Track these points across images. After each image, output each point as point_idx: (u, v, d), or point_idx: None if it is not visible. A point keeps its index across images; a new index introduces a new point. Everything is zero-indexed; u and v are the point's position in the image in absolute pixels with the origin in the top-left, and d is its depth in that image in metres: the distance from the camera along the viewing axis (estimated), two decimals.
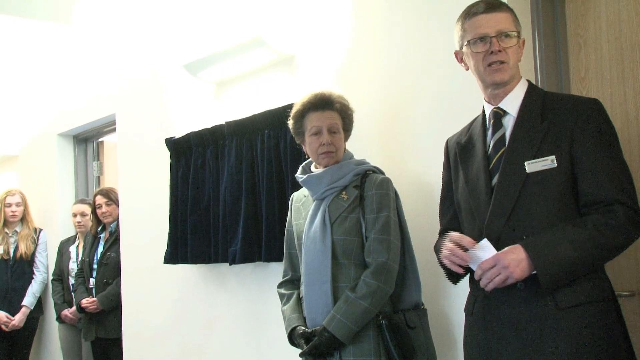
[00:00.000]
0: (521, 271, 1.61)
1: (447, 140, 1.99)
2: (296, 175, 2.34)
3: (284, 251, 2.40)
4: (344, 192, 2.22)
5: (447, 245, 1.76)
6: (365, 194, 2.18)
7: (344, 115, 2.28)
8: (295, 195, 2.42)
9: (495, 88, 1.78)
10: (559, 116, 1.69)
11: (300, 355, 2.18)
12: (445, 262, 1.78)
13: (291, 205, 2.41)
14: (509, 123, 1.77)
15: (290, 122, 2.33)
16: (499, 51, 1.71)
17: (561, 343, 1.61)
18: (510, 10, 1.77)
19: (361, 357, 2.09)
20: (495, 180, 1.73)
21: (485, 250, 1.67)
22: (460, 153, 1.88)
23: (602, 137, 1.66)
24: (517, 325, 1.67)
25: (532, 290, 1.65)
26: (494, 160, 1.75)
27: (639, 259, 2.05)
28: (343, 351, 2.11)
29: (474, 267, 1.70)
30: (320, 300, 2.15)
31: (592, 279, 1.65)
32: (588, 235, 1.60)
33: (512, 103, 1.76)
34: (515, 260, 1.61)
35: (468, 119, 1.99)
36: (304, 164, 2.36)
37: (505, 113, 1.77)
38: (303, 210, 2.32)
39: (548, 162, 1.66)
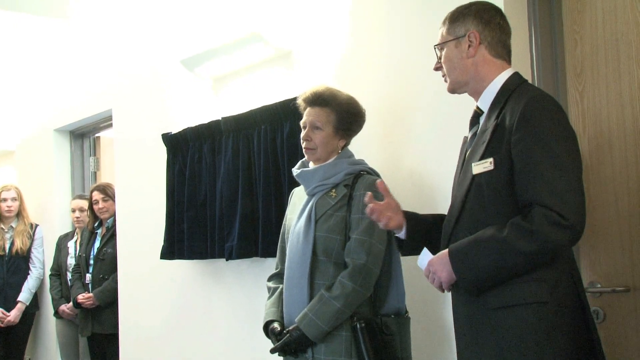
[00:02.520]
0: (448, 276, 1.65)
1: None
2: (293, 169, 2.36)
3: (278, 244, 2.42)
4: (333, 190, 2.22)
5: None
6: (355, 193, 2.18)
7: (341, 112, 2.25)
8: (296, 190, 2.43)
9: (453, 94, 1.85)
10: (507, 114, 1.65)
11: (271, 351, 2.19)
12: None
13: (290, 199, 2.43)
14: (482, 121, 1.77)
15: None
16: (438, 67, 1.83)
17: (489, 343, 1.62)
18: (447, 19, 1.79)
19: (332, 357, 2.09)
20: (458, 179, 1.78)
21: (425, 255, 1.76)
22: (461, 148, 1.91)
23: (538, 137, 1.57)
24: (466, 320, 1.70)
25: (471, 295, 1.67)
26: (465, 159, 1.78)
27: (634, 254, 2.06)
28: (315, 348, 2.11)
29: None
30: (297, 296, 2.16)
31: (528, 282, 1.58)
32: (502, 240, 1.56)
33: (485, 100, 1.76)
34: (441, 266, 1.66)
35: (469, 116, 1.99)
36: (304, 158, 2.38)
37: (482, 111, 1.78)
38: (298, 205, 2.33)
39: (487, 165, 1.64)
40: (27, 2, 4.14)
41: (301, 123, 2.30)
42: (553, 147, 1.57)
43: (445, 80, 1.83)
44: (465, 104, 2.14)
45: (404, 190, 2.39)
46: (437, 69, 1.83)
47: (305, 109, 2.30)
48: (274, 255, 2.86)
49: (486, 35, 1.75)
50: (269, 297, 2.33)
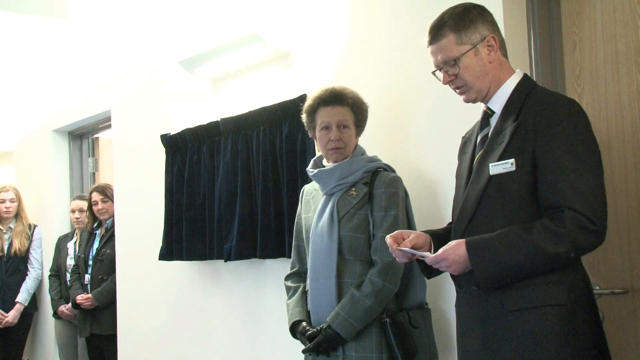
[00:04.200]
0: (461, 268, 1.64)
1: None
2: (307, 168, 2.36)
3: (293, 243, 2.41)
4: (353, 189, 2.23)
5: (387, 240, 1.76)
6: (375, 191, 2.19)
7: (357, 111, 2.28)
8: (306, 188, 2.43)
9: (473, 103, 1.80)
10: (529, 116, 1.64)
11: (304, 351, 2.19)
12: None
13: (301, 198, 2.42)
14: (493, 122, 1.76)
15: (303, 116, 2.33)
16: (450, 81, 1.76)
17: (504, 345, 1.62)
18: (451, 29, 1.71)
19: (363, 353, 2.11)
20: (470, 179, 1.76)
21: (410, 251, 1.72)
22: (461, 148, 1.90)
23: (565, 141, 1.58)
24: (476, 322, 1.70)
25: (482, 291, 1.66)
26: (475, 159, 1.76)
27: (632, 256, 2.06)
28: (346, 346, 2.13)
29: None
30: (325, 295, 2.16)
31: (547, 284, 1.59)
32: (529, 240, 1.56)
33: (498, 102, 1.75)
34: (456, 260, 1.63)
35: (469, 115, 1.99)
36: (315, 157, 2.37)
37: (492, 112, 1.77)
38: (312, 203, 2.33)
39: (508, 165, 1.63)
40: (26, 2, 4.13)
41: (321, 123, 2.24)
42: (579, 151, 1.59)
43: (463, 92, 1.77)
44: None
45: (409, 190, 2.38)
46: (448, 82, 1.76)
47: (316, 109, 2.26)
48: (272, 257, 2.87)
49: (498, 36, 1.75)
50: (290, 297, 2.32)
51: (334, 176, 2.23)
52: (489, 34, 1.73)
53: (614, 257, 2.09)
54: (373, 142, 2.57)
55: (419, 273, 2.21)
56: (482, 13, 1.75)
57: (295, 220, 2.42)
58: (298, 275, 2.37)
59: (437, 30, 1.75)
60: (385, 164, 2.30)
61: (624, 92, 2.09)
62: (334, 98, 2.25)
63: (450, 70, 1.74)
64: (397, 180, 2.22)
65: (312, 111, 2.29)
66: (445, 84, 1.78)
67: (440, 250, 1.66)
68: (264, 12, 3.06)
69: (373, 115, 2.58)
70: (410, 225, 2.23)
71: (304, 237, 2.33)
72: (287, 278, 2.39)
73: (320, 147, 2.29)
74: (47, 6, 4.20)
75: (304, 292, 2.29)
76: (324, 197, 2.27)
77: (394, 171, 2.29)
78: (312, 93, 2.31)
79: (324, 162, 2.32)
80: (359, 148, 2.31)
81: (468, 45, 1.72)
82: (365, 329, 2.11)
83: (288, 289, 2.36)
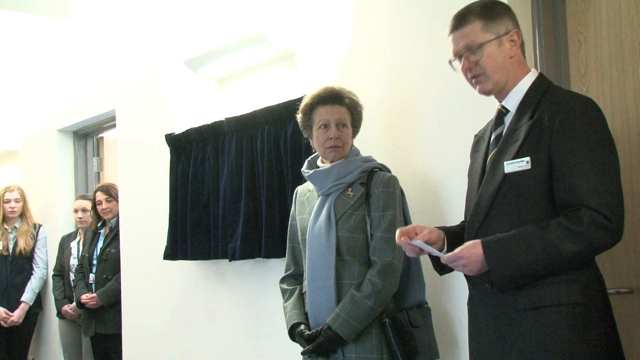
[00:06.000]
0: (477, 268, 1.64)
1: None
2: (302, 169, 2.34)
3: (287, 245, 2.40)
4: (349, 189, 2.22)
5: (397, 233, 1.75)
6: (372, 191, 2.18)
7: (353, 111, 2.28)
8: (300, 189, 2.41)
9: (487, 96, 1.79)
10: (545, 114, 1.64)
11: (302, 354, 2.19)
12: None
13: (295, 199, 2.40)
14: (508, 120, 1.76)
15: (298, 116, 2.32)
16: (469, 68, 1.73)
17: (518, 343, 1.62)
18: (478, 17, 1.71)
19: (363, 355, 2.10)
20: (484, 178, 1.75)
21: (423, 246, 1.71)
22: (473, 146, 1.90)
23: (582, 139, 1.58)
24: (490, 320, 1.69)
25: (498, 290, 1.66)
26: (489, 157, 1.76)
27: (638, 255, 2.06)
28: (346, 348, 2.12)
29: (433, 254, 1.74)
30: (323, 296, 2.15)
31: (561, 282, 1.59)
32: (546, 240, 1.56)
33: (513, 100, 1.74)
34: (472, 260, 1.63)
35: (474, 116, 1.98)
36: (310, 158, 2.36)
37: (507, 111, 1.76)
38: (307, 204, 2.31)
39: (523, 164, 1.63)
40: (30, 2, 4.14)
41: (319, 121, 2.24)
42: (596, 150, 1.58)
43: (479, 82, 1.75)
44: (470, 101, 2.14)
45: (413, 190, 2.39)
46: (467, 69, 1.74)
47: (314, 108, 2.26)
48: (277, 256, 2.87)
49: (520, 33, 1.76)
50: (287, 300, 2.31)
51: (330, 177, 2.22)
52: (514, 29, 1.73)
53: (619, 256, 2.09)
54: (377, 143, 2.58)
55: (417, 273, 2.23)
56: (507, 9, 1.77)
57: (289, 222, 2.40)
58: (293, 277, 2.35)
59: (463, 18, 1.74)
60: (381, 164, 2.29)
61: (630, 91, 2.08)
62: (333, 97, 2.25)
63: (472, 57, 1.72)
64: (394, 180, 2.21)
65: (310, 110, 2.28)
66: (463, 71, 1.76)
67: (457, 250, 1.65)
68: (269, 12, 3.06)
69: (377, 115, 2.59)
70: (406, 225, 2.19)
71: (300, 238, 2.32)
72: (283, 280, 2.38)
73: (318, 145, 2.27)
74: (50, 6, 4.21)
75: (301, 294, 2.27)
76: (320, 197, 2.26)
77: (389, 171, 2.28)
78: (310, 92, 2.30)
79: (319, 162, 2.31)
80: (354, 148, 2.31)
81: (493, 35, 1.71)
82: (365, 330, 2.10)
83: (284, 291, 2.35)
